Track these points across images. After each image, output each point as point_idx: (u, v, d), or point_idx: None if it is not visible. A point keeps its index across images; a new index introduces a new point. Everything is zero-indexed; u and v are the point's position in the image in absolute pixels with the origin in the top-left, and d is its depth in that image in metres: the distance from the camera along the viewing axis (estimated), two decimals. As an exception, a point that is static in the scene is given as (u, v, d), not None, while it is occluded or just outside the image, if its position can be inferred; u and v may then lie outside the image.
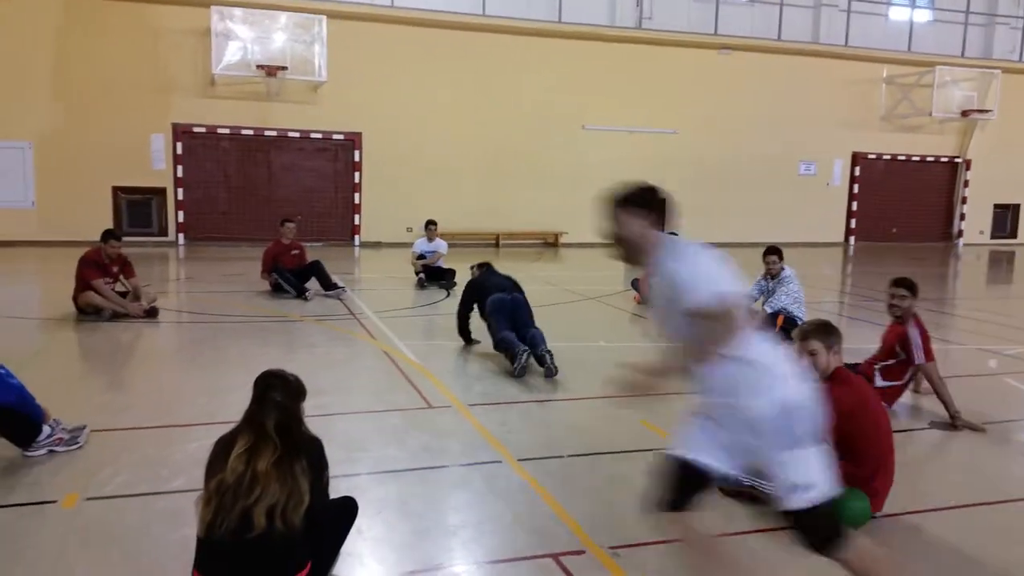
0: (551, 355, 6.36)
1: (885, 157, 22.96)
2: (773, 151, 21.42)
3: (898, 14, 22.92)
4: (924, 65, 22.03)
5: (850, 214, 23.10)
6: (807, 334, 3.89)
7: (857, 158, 22.72)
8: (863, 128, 22.40)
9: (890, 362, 5.66)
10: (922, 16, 23.13)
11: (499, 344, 6.72)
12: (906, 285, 5.58)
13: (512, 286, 7.31)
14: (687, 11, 20.13)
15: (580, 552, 3.43)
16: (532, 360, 6.43)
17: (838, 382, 3.75)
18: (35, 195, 16.58)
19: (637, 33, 19.63)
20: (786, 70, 21.13)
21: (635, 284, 10.64)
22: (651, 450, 4.76)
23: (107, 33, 16.38)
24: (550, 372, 6.30)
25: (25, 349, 6.82)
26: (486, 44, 18.60)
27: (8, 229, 16.18)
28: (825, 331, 3.88)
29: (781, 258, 8.28)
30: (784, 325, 7.92)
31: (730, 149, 20.95)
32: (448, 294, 10.94)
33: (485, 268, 7.79)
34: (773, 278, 8.26)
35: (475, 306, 7.40)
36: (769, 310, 8.02)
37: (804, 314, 8.07)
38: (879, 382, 5.59)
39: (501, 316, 6.87)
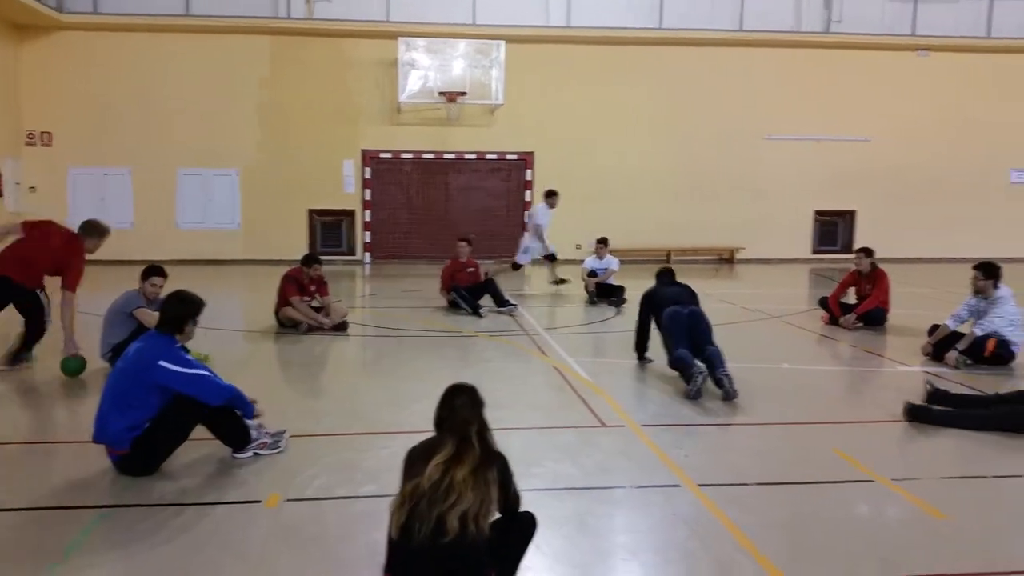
0: (730, 379, 6.05)
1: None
2: (980, 159, 19.41)
3: None
4: None
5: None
6: None
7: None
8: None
9: None
10: None
11: (674, 363, 6.49)
12: None
13: (689, 297, 7.02)
14: (880, 12, 18.76)
15: (771, 589, 3.24)
16: (709, 382, 6.19)
17: None
18: (240, 217, 18.33)
19: (825, 37, 18.58)
20: (995, 70, 19.12)
21: (823, 303, 9.97)
22: (847, 482, 4.42)
23: (306, 67, 17.80)
24: (729, 395, 6.00)
25: (232, 358, 7.48)
26: (662, 57, 18.33)
27: (219, 248, 17.99)
28: None
29: (990, 276, 7.43)
30: (996, 350, 7.16)
31: (931, 157, 19.26)
32: (618, 311, 10.82)
33: (663, 276, 7.46)
34: (985, 298, 7.45)
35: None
36: (979, 332, 7.23)
37: (1021, 338, 7.25)
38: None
39: (678, 331, 6.60)
